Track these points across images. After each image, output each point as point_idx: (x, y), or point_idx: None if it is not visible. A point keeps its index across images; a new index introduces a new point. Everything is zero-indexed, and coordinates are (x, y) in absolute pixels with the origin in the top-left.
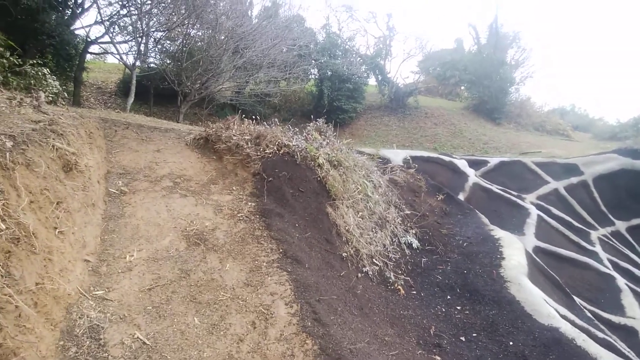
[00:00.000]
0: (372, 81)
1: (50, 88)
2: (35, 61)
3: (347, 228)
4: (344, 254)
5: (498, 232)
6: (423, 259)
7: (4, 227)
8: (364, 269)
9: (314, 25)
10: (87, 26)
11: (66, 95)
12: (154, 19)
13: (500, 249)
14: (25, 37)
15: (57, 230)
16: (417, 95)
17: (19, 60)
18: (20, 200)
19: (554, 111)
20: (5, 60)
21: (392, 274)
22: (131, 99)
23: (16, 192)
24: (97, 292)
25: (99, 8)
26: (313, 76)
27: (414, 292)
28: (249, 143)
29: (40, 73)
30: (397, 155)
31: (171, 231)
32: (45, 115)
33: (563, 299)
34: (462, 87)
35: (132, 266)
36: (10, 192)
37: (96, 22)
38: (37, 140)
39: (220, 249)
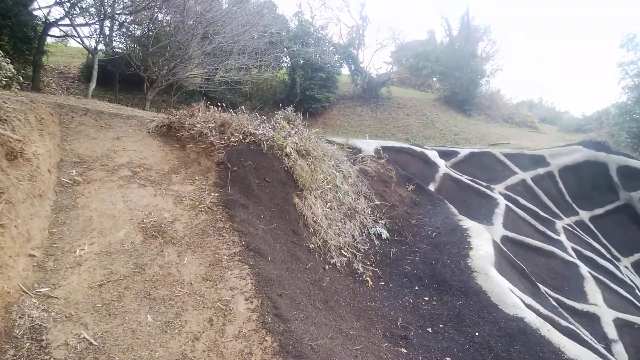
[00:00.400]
0: (345, 71)
1: (4, 71)
2: None
3: (314, 219)
4: (311, 246)
5: (466, 222)
6: (392, 250)
7: None
8: (332, 261)
9: (286, 12)
10: (46, 7)
11: (22, 79)
12: (119, 1)
13: (468, 239)
14: None
15: None
16: (390, 86)
17: None
18: None
19: (523, 104)
20: None
21: (360, 265)
22: (93, 85)
23: None
24: (41, 290)
25: None
26: (285, 64)
27: (382, 284)
28: (214, 131)
29: None
30: (368, 145)
31: (127, 223)
32: None
33: (529, 288)
34: (434, 79)
35: (82, 261)
36: None
37: (56, 3)
38: None
39: (179, 242)
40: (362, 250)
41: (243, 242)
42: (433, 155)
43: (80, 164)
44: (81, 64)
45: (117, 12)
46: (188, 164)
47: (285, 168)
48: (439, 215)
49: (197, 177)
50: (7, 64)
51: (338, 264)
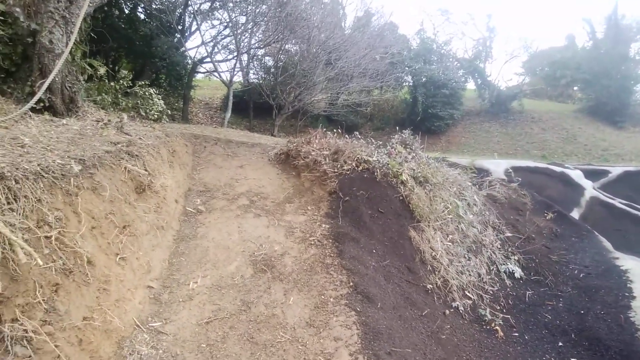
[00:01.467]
0: (470, 85)
1: (156, 107)
2: (143, 83)
3: (433, 255)
4: (429, 286)
5: (626, 262)
6: (528, 292)
7: (55, 258)
8: (454, 304)
9: (407, 31)
10: (193, 48)
11: (169, 112)
12: (253, 36)
13: (628, 285)
14: (143, 61)
15: (119, 257)
16: (522, 99)
17: (130, 82)
18: (80, 227)
19: None
20: (116, 84)
21: (487, 310)
22: (228, 114)
23: (77, 218)
24: (154, 324)
25: (200, 32)
26: (407, 84)
27: (516, 334)
28: (327, 159)
29: (147, 93)
30: (497, 166)
31: (239, 255)
32: (126, 137)
33: None
34: (575, 88)
35: (194, 294)
36: (70, 218)
37: (201, 44)
38: (108, 162)
39: (287, 278)
40: (490, 292)
41: (351, 283)
42: (577, 175)
43: (205, 193)
44: (222, 95)
45: (252, 47)
46: (302, 192)
47: (401, 197)
48: (587, 250)
49: (309, 207)
50: (159, 99)
51: (461, 308)
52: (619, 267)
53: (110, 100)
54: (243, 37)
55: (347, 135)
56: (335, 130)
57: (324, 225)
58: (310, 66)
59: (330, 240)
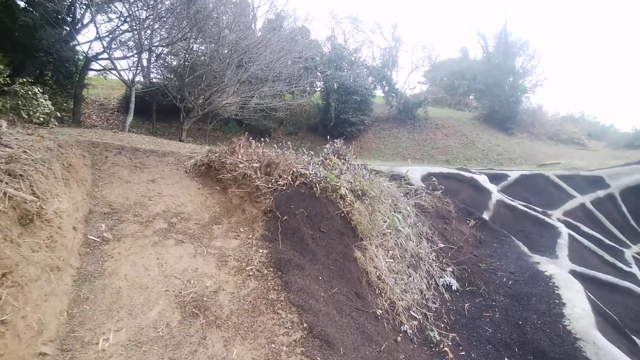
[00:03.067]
0: (378, 92)
1: (42, 108)
2: (25, 80)
3: (378, 274)
4: (379, 312)
5: (546, 266)
6: (466, 305)
7: None
8: (402, 328)
9: (319, 36)
10: (86, 42)
11: (59, 115)
12: (156, 34)
13: (556, 291)
14: (23, 55)
15: None
16: (426, 106)
17: (7, 79)
18: None
19: (564, 118)
20: None
21: (435, 330)
22: (130, 117)
23: None
24: None
25: (95, 24)
26: (319, 89)
27: (463, 354)
28: (258, 172)
29: (30, 92)
30: (414, 172)
31: (162, 296)
32: (4, 150)
33: (624, 343)
34: (471, 97)
35: (105, 357)
36: None
37: (95, 38)
38: None
39: (225, 323)
40: (433, 309)
41: (305, 324)
42: (483, 180)
43: (111, 215)
44: (120, 95)
45: (154, 44)
46: (231, 211)
47: (342, 214)
48: (510, 256)
49: (242, 229)
50: (45, 100)
51: (409, 331)
52: (543, 273)
53: None
54: (145, 34)
55: (274, 145)
56: (248, 135)
57: (261, 251)
58: (221, 67)
59: (272, 269)
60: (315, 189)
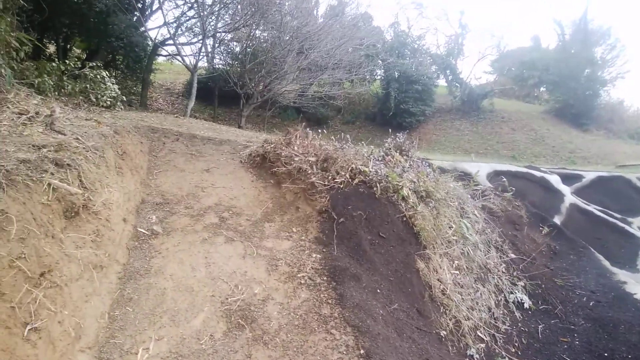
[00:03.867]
0: (441, 82)
1: (109, 92)
2: (95, 64)
3: (442, 289)
4: (442, 332)
5: (635, 288)
6: (539, 326)
7: None
8: (468, 352)
9: (381, 23)
10: (154, 28)
11: (124, 98)
12: (220, 20)
13: None
14: (98, 40)
15: (29, 327)
16: (492, 98)
17: (79, 63)
18: None
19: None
20: (60, 64)
21: (505, 357)
22: (191, 103)
23: None
24: None
25: (162, 11)
26: (379, 77)
27: None
28: (314, 167)
29: (99, 76)
30: (479, 169)
31: (207, 302)
32: (56, 137)
33: None
34: (542, 89)
35: None
36: None
37: (163, 24)
38: (22, 179)
39: (273, 340)
40: (503, 330)
41: (361, 350)
42: (555, 180)
43: (163, 206)
44: (185, 80)
45: (218, 30)
46: (284, 208)
47: (404, 218)
48: (589, 270)
49: (294, 229)
50: (113, 84)
51: (476, 356)
52: (632, 296)
53: (52, 83)
54: (209, 20)
55: (319, 130)
56: (305, 125)
57: (314, 255)
58: (281, 54)
59: (325, 278)
60: (375, 188)
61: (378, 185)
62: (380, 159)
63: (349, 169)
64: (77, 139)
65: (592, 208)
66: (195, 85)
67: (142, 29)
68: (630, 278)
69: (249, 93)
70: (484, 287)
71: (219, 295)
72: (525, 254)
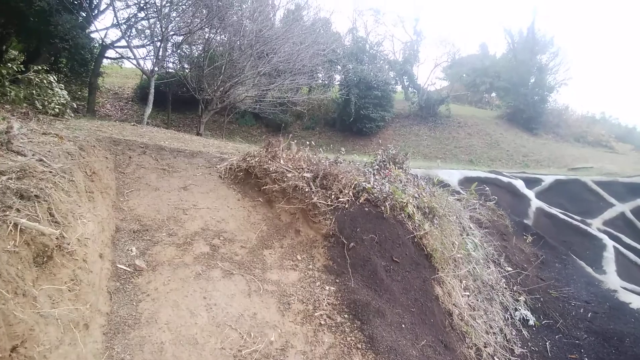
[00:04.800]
0: (398, 88)
1: (57, 98)
2: (39, 67)
3: (459, 314)
4: None
5: (628, 297)
6: (546, 343)
7: None
8: None
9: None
10: (102, 29)
11: (74, 105)
12: (173, 22)
13: None
14: (38, 41)
15: None
16: (449, 103)
17: (22, 66)
18: None
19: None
20: (1, 68)
21: None
22: (149, 109)
23: None
24: None
25: (114, 11)
26: (338, 82)
27: None
28: (312, 184)
29: (45, 81)
30: (451, 176)
31: (218, 358)
32: (15, 160)
33: None
34: (493, 95)
35: None
36: None
37: (112, 25)
38: None
39: None
40: (518, 353)
41: None
42: (520, 185)
43: (142, 234)
44: (135, 84)
45: (172, 33)
46: (281, 231)
47: (414, 239)
48: (577, 279)
49: (299, 256)
50: (61, 89)
51: None
52: (628, 306)
53: None
54: (162, 22)
55: (282, 135)
56: (291, 136)
57: (328, 288)
58: (241, 58)
59: (347, 316)
60: (382, 207)
61: (385, 203)
62: (372, 173)
63: (352, 186)
64: (41, 160)
65: (555, 211)
66: (152, 90)
67: (90, 29)
68: (629, 292)
69: (208, 99)
70: (492, 306)
71: (230, 348)
72: (518, 266)
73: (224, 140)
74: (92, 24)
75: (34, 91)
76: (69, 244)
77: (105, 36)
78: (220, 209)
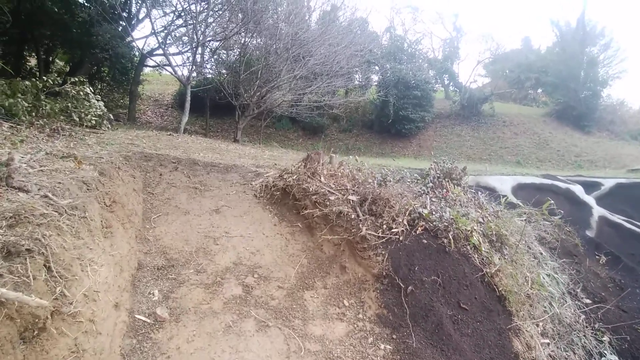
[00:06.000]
0: (438, 87)
1: (94, 110)
2: (77, 79)
3: None
4: None
5: None
6: None
7: None
8: None
9: (376, 28)
10: (141, 38)
11: (111, 116)
12: (210, 28)
13: None
14: (81, 52)
15: None
16: (493, 102)
17: (57, 79)
18: None
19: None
20: (37, 82)
21: None
22: (185, 118)
23: None
24: None
25: (151, 19)
26: (375, 83)
27: None
28: (359, 210)
29: (82, 93)
30: (503, 184)
31: None
32: (14, 199)
33: None
34: (539, 91)
35: None
36: None
37: (151, 34)
38: None
39: None
40: None
41: None
42: (579, 191)
43: (167, 272)
44: (174, 91)
45: (209, 38)
46: (324, 266)
47: (484, 278)
48: None
49: (346, 301)
50: (98, 100)
51: None
52: None
53: (27, 104)
54: (199, 28)
55: (315, 138)
56: (333, 149)
57: (383, 347)
58: (277, 62)
59: None
60: (444, 238)
61: (447, 234)
62: (427, 191)
63: (406, 212)
64: (46, 196)
65: (620, 220)
66: (188, 98)
67: (129, 39)
68: None
69: (245, 104)
70: (574, 354)
71: None
72: (596, 295)
73: (260, 146)
74: (131, 34)
75: (70, 104)
76: (71, 304)
77: (144, 45)
78: (254, 237)
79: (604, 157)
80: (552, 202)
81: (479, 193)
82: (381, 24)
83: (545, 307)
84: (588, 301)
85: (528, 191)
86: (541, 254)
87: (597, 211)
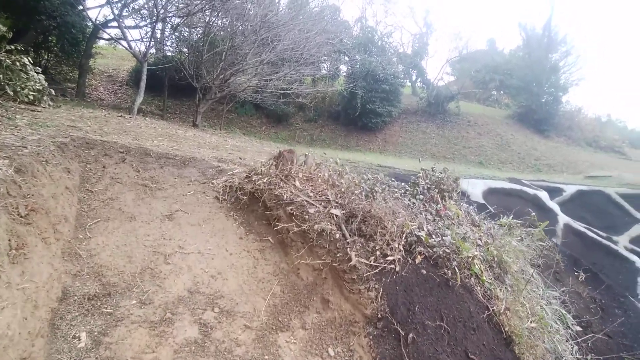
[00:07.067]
0: (406, 83)
1: (32, 83)
2: (13, 47)
3: None
4: None
5: None
6: None
7: None
8: None
9: (347, 17)
10: (95, 7)
11: (52, 92)
12: (172, 2)
13: None
14: (26, 17)
15: None
16: (458, 101)
17: None
18: None
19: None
20: None
21: None
22: (140, 98)
23: None
24: None
25: None
26: (344, 74)
27: None
28: (345, 228)
29: (18, 63)
30: (474, 187)
31: None
32: None
33: None
34: (501, 92)
35: None
36: None
37: (106, 3)
38: None
39: None
40: None
41: None
42: (545, 197)
43: (100, 304)
44: (130, 67)
45: (170, 14)
46: (301, 297)
47: (491, 318)
48: None
49: (330, 349)
50: (38, 73)
51: None
52: None
53: None
54: (159, 1)
55: (281, 126)
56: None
57: None
58: (243, 45)
59: None
60: (445, 268)
61: (450, 263)
62: (418, 205)
63: (403, 235)
64: None
65: (583, 228)
66: (144, 77)
67: (80, 7)
68: None
69: (207, 87)
70: None
71: None
72: (581, 319)
73: (222, 132)
74: (83, 2)
75: (1, 75)
76: None
77: (97, 15)
78: (215, 255)
79: (561, 162)
80: (534, 213)
81: (471, 207)
82: (353, 13)
83: (544, 343)
84: (579, 329)
85: (498, 196)
86: (534, 277)
87: (562, 219)
